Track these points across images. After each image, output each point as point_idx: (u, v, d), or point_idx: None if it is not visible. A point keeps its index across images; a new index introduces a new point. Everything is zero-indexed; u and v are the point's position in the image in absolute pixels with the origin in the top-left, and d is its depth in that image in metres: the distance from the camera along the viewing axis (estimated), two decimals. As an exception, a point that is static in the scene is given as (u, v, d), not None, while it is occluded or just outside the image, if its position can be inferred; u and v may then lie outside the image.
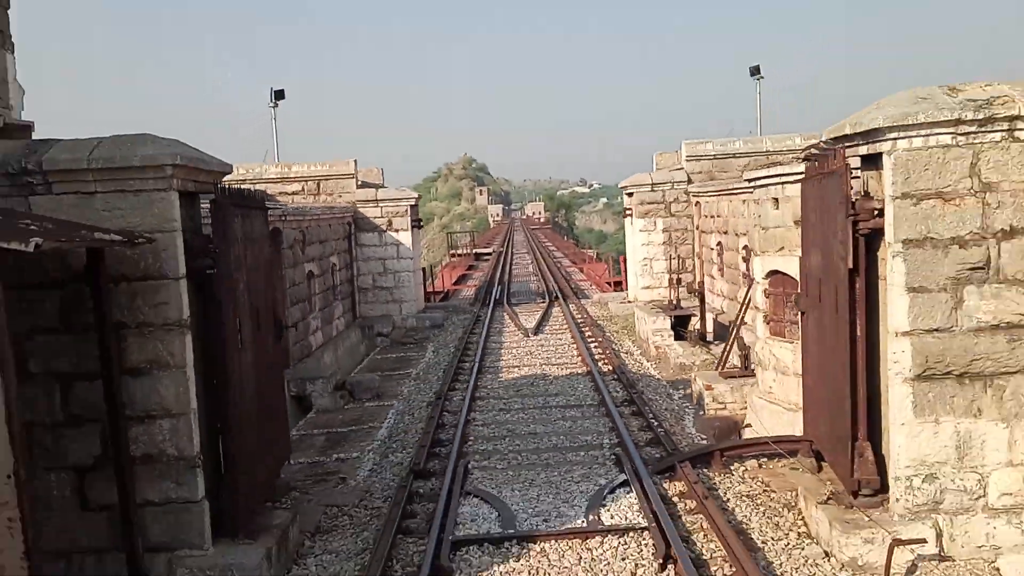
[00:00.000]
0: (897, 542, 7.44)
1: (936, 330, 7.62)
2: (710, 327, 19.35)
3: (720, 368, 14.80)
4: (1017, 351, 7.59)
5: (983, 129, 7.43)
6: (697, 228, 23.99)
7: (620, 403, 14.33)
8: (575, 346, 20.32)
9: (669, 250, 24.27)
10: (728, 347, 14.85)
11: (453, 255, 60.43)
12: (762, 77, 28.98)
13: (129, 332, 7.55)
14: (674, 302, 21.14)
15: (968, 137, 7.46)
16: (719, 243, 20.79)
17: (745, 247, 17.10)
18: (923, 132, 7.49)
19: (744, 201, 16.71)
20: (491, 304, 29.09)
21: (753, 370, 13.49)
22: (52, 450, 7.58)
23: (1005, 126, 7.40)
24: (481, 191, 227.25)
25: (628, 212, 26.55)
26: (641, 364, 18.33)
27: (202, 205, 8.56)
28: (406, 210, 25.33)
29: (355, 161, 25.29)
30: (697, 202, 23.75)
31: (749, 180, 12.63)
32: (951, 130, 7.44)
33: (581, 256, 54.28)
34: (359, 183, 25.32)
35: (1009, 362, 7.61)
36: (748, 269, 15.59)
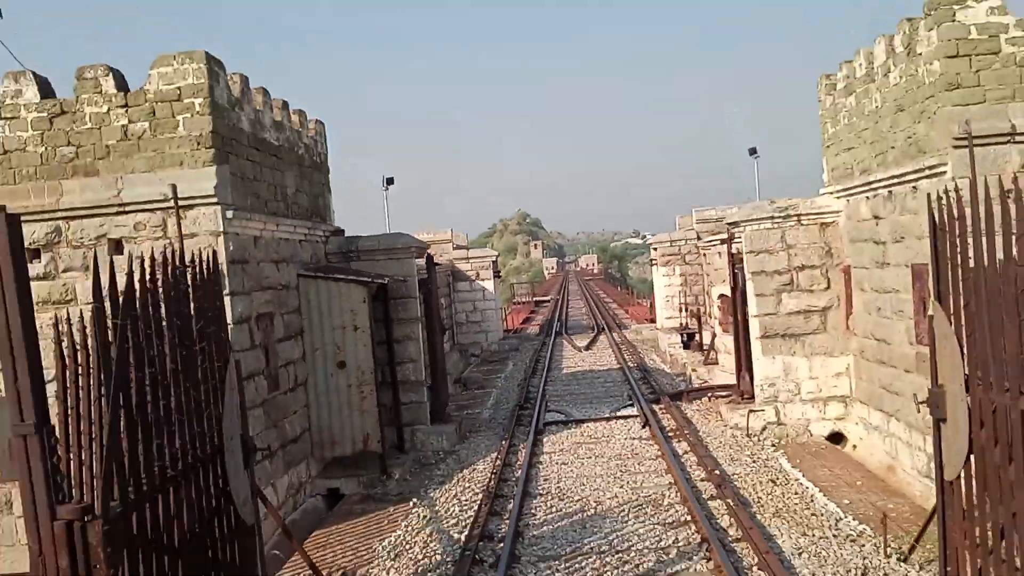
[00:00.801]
0: (751, 411, 16.04)
1: (769, 314, 16.23)
2: (707, 340, 27.85)
3: (704, 359, 23.42)
4: (807, 323, 16.13)
5: (785, 219, 16.12)
6: (705, 272, 32.55)
7: (637, 380, 22.96)
8: (613, 355, 29.08)
9: (684, 289, 32.80)
10: (709, 347, 23.49)
11: (515, 303, 69.43)
12: (759, 156, 37.51)
13: (396, 322, 16.59)
14: (685, 325, 29.72)
15: (778, 223, 16.16)
16: (711, 282, 29.38)
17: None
18: (757, 222, 16.24)
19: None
20: (552, 334, 37.97)
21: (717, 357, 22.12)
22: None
23: (795, 218, 16.08)
24: (536, 245, 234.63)
25: (654, 262, 35.32)
26: (657, 364, 26.99)
27: (418, 262, 17.67)
28: (489, 265, 34.47)
29: (452, 230, 34.56)
30: (703, 252, 32.35)
31: (704, 240, 21.42)
32: (770, 221, 16.16)
33: (627, 300, 62.91)
34: (454, 246, 34.53)
35: (805, 328, 16.15)
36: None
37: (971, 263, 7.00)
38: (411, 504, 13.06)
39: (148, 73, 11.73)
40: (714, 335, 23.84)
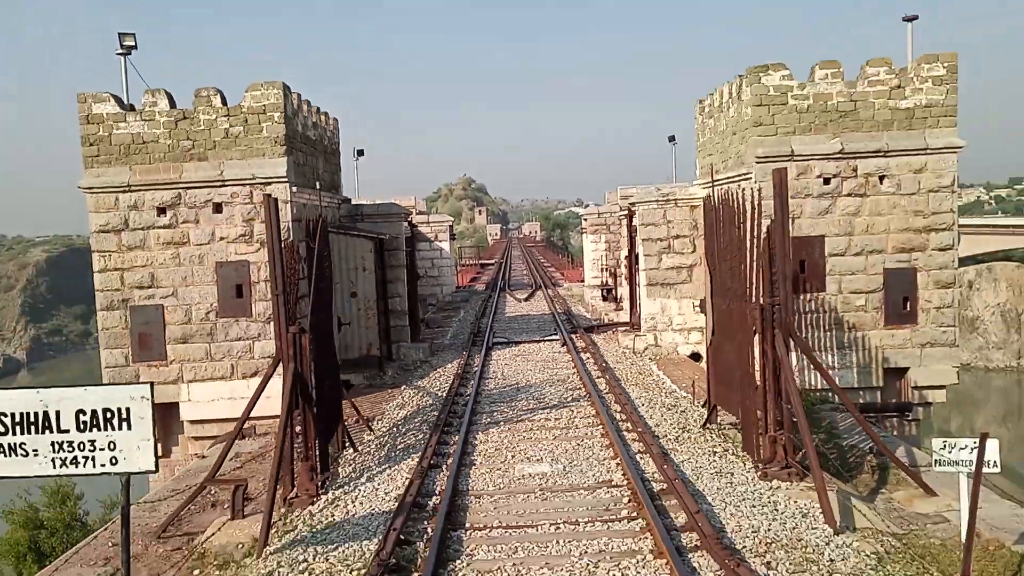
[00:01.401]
0: (636, 337, 23.04)
1: (653, 269, 23.13)
2: (621, 294, 34.85)
3: (615, 307, 30.42)
4: (679, 276, 23.05)
5: (667, 202, 22.96)
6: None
7: (563, 320, 29.77)
8: (547, 305, 35.94)
9: (607, 254, 39.69)
10: (620, 296, 30.47)
11: (462, 265, 75.87)
12: (676, 143, 44.43)
13: (388, 267, 23.06)
14: (605, 282, 36.66)
15: (661, 204, 23.00)
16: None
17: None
18: (648, 203, 23.07)
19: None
20: (497, 290, 44.68)
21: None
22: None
23: (673, 202, 22.94)
24: (480, 211, 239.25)
25: (584, 231, 42.13)
26: (580, 311, 33.94)
27: (404, 224, 24.13)
28: (446, 229, 40.92)
29: (415, 197, 40.79)
30: (621, 224, 39.24)
31: (618, 214, 28.28)
32: (656, 203, 22.99)
33: (564, 264, 69.95)
34: (416, 211, 40.78)
35: (677, 279, 23.07)
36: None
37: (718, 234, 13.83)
38: (403, 387, 19.66)
39: (243, 94, 17.89)
40: (618, 286, 30.82)
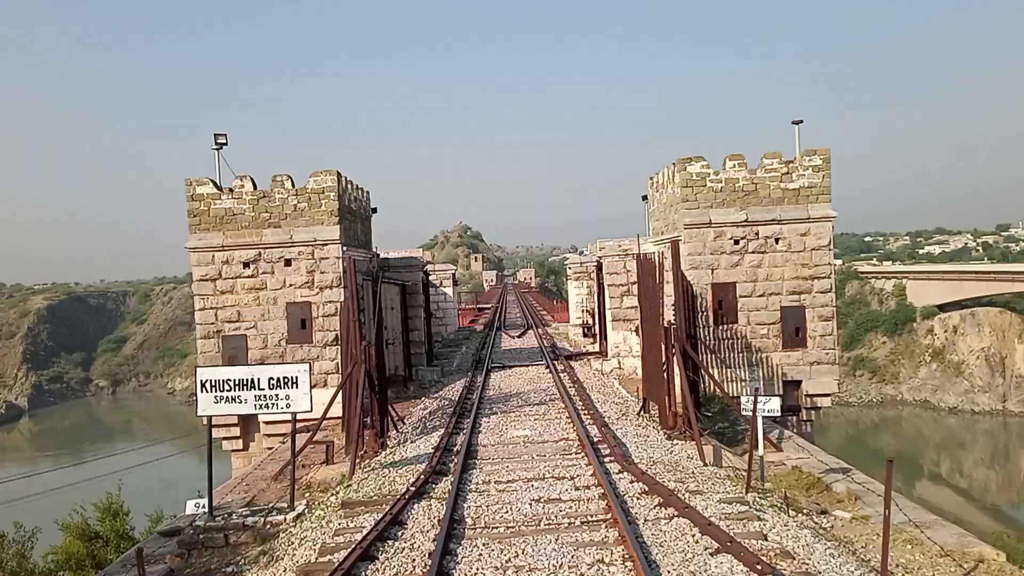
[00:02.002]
0: (604, 362, 29.33)
1: (616, 308, 29.49)
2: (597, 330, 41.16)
3: (593, 341, 36.74)
4: (636, 313, 29.44)
5: (626, 255, 29.39)
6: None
7: (548, 351, 36.03)
8: (536, 341, 42.23)
9: (589, 297, 46.11)
10: (596, 332, 36.83)
11: (461, 308, 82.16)
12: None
13: (410, 307, 29.42)
14: (585, 322, 43.02)
15: (621, 257, 29.42)
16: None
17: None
18: (612, 256, 29.52)
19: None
20: (494, 329, 50.99)
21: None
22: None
23: (632, 255, 29.37)
24: (476, 258, 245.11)
25: (568, 277, 48.60)
26: (564, 345, 40.24)
27: (420, 272, 30.57)
28: (449, 276, 47.38)
29: (421, 249, 47.31)
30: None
31: (589, 264, 34.81)
32: (618, 256, 29.42)
33: (554, 308, 76.33)
34: (424, 261, 47.23)
35: (635, 316, 29.40)
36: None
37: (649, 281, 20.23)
38: (423, 398, 25.87)
39: (308, 179, 24.40)
40: (596, 324, 37.18)
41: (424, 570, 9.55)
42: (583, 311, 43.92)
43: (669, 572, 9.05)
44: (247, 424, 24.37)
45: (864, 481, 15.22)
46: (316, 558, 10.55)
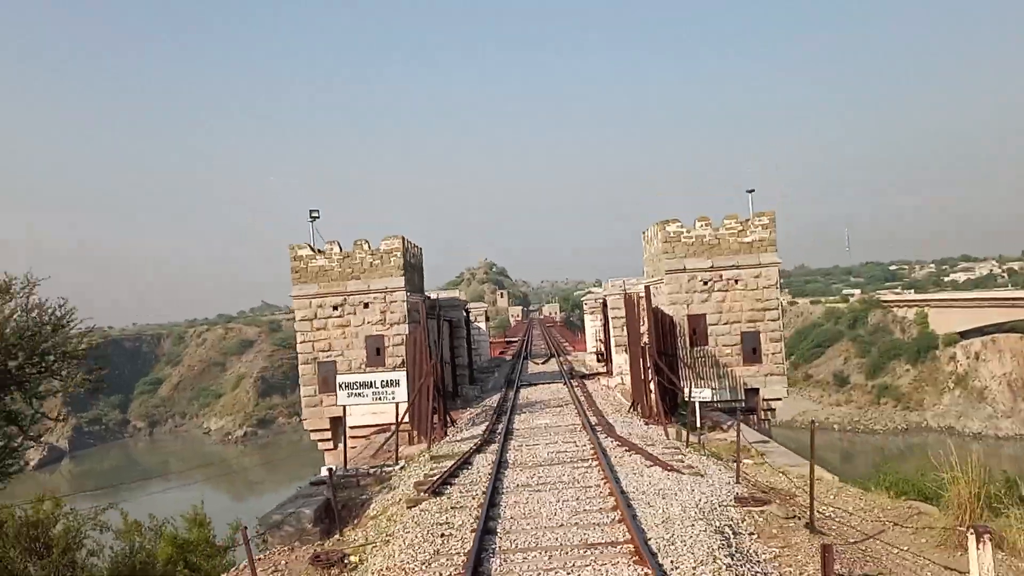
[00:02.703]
0: (610, 379, 36.98)
1: (619, 335, 37.13)
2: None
3: (604, 364, 44.46)
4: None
5: (624, 294, 37.13)
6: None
7: (567, 374, 43.69)
8: (557, 366, 49.97)
9: (602, 328, 53.75)
10: (606, 357, 44.53)
11: (491, 341, 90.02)
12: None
13: (455, 338, 37.32)
14: (600, 350, 50.65)
15: (621, 295, 37.15)
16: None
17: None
18: (614, 294, 37.27)
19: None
20: (522, 358, 58.75)
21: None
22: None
23: (629, 294, 37.14)
24: (502, 294, 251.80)
25: (585, 311, 56.35)
26: (580, 369, 47.91)
27: (463, 311, 38.56)
28: (483, 313, 55.30)
29: (458, 290, 55.37)
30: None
31: (600, 301, 42.65)
32: (618, 295, 37.15)
33: (575, 339, 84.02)
34: (460, 301, 55.28)
35: (619, 341, 37.09)
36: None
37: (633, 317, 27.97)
38: (468, 408, 33.59)
39: (381, 242, 32.50)
40: (604, 349, 44.81)
41: (486, 483, 17.19)
42: (597, 340, 51.59)
43: (621, 473, 16.71)
44: (336, 429, 32.23)
45: (776, 448, 22.69)
46: (423, 477, 18.31)
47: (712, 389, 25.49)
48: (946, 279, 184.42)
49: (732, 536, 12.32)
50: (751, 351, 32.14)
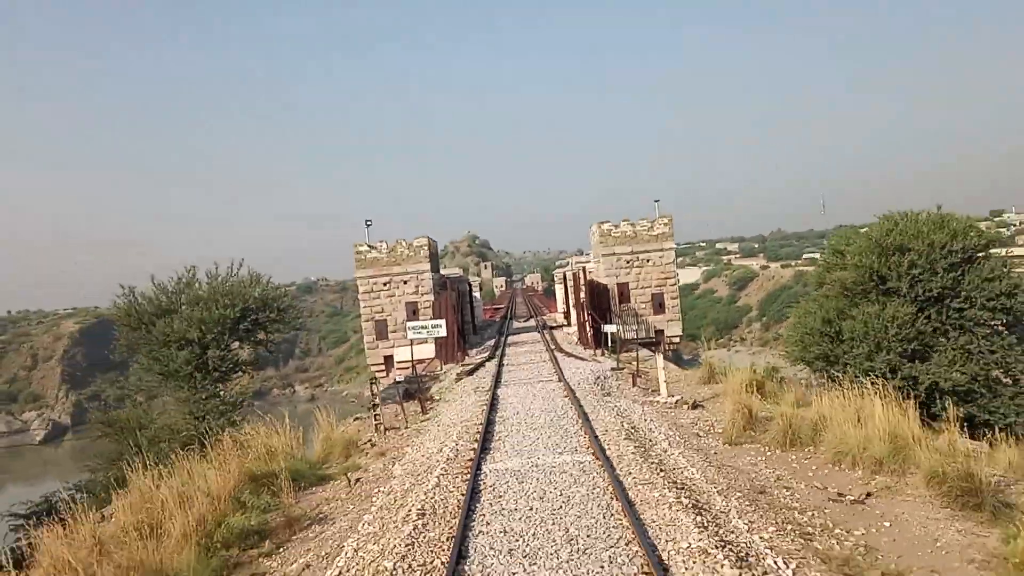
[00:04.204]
0: (567, 328, 54.12)
1: (566, 300, 54.19)
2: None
3: (567, 321, 61.69)
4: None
5: (579, 268, 54.13)
6: (577, 287, 70.74)
7: (540, 328, 60.69)
8: (534, 323, 67.06)
9: (579, 296, 70.69)
10: (567, 316, 61.76)
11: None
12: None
13: (464, 303, 54.25)
14: (565, 311, 67.68)
15: (572, 270, 54.15)
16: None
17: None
18: (566, 268, 54.24)
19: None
20: (508, 319, 75.77)
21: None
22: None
23: (581, 268, 54.13)
24: (486, 266, 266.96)
25: (556, 281, 73.36)
26: (551, 324, 65.03)
27: (467, 284, 55.52)
28: (477, 285, 72.16)
29: (459, 268, 72.12)
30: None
31: (563, 269, 59.82)
32: (570, 268, 54.14)
33: (551, 305, 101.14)
34: (460, 275, 72.05)
35: (572, 303, 54.14)
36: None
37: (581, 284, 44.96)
38: (474, 348, 50.53)
39: (414, 238, 49.24)
40: (567, 309, 61.90)
41: (495, 374, 34.02)
42: (563, 303, 68.58)
43: (561, 364, 33.69)
44: (389, 361, 49.06)
45: (651, 357, 39.82)
46: (460, 371, 35.25)
47: (629, 328, 42.50)
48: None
49: (602, 379, 29.33)
50: (658, 305, 49.24)
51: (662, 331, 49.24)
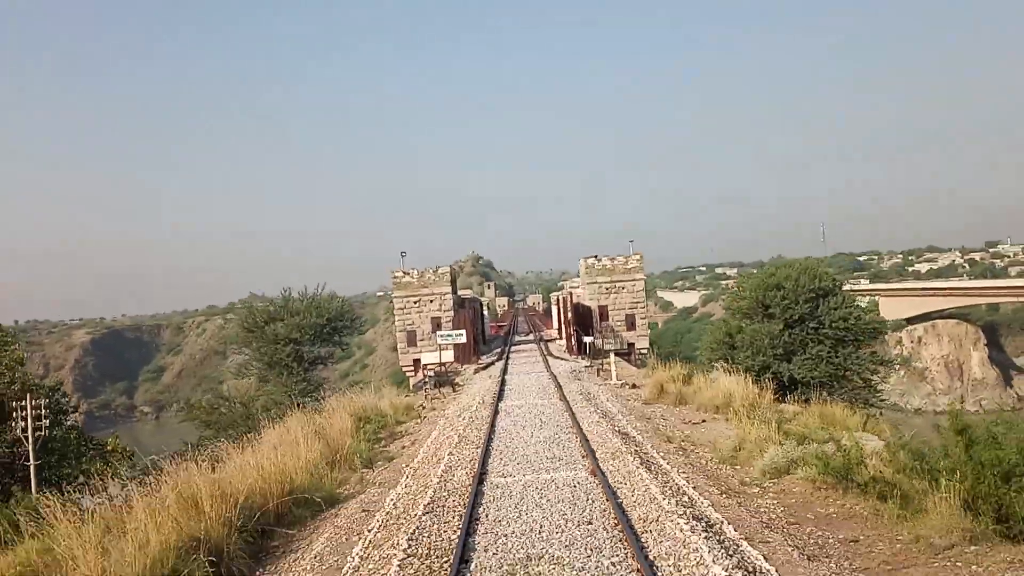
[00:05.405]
0: (559, 342, 67.24)
1: (560, 319, 67.20)
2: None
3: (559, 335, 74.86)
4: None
5: (569, 292, 67.15)
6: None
7: (538, 341, 73.67)
8: (534, 338, 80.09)
9: (567, 315, 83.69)
10: (559, 331, 74.87)
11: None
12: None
13: (478, 319, 67.37)
14: (560, 327, 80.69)
15: (564, 293, 67.20)
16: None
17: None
18: (560, 291, 67.28)
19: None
20: (511, 335, 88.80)
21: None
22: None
23: (570, 292, 67.17)
24: (489, 285, 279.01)
25: (553, 302, 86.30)
26: (546, 338, 78.04)
27: (480, 300, 68.64)
28: (485, 303, 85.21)
29: (470, 289, 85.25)
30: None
31: (557, 293, 73.02)
32: (562, 292, 67.18)
33: (548, 322, 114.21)
34: (471, 295, 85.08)
35: (564, 321, 67.14)
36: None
37: (570, 307, 58.01)
38: (485, 355, 63.52)
39: (439, 265, 62.42)
40: (560, 325, 74.96)
41: (503, 368, 46.86)
42: (557, 320, 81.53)
43: (551, 363, 46.63)
44: (417, 363, 61.93)
45: (622, 363, 52.78)
46: (476, 368, 48.21)
47: (608, 340, 55.39)
48: (911, 269, 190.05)
49: (577, 372, 42.26)
50: (631, 324, 62.19)
51: (633, 343, 62.08)
